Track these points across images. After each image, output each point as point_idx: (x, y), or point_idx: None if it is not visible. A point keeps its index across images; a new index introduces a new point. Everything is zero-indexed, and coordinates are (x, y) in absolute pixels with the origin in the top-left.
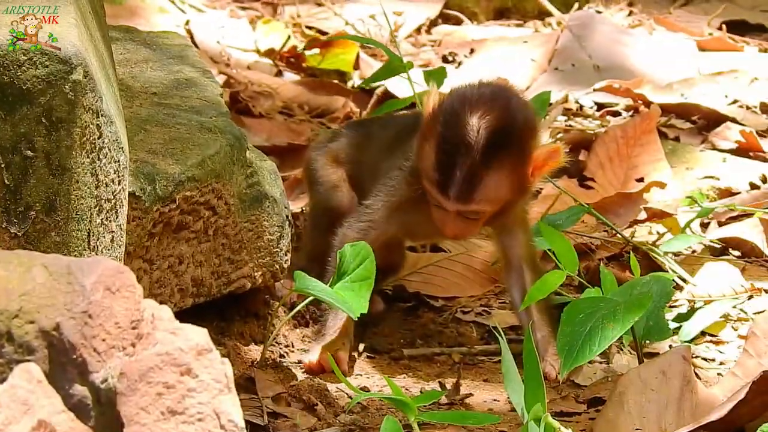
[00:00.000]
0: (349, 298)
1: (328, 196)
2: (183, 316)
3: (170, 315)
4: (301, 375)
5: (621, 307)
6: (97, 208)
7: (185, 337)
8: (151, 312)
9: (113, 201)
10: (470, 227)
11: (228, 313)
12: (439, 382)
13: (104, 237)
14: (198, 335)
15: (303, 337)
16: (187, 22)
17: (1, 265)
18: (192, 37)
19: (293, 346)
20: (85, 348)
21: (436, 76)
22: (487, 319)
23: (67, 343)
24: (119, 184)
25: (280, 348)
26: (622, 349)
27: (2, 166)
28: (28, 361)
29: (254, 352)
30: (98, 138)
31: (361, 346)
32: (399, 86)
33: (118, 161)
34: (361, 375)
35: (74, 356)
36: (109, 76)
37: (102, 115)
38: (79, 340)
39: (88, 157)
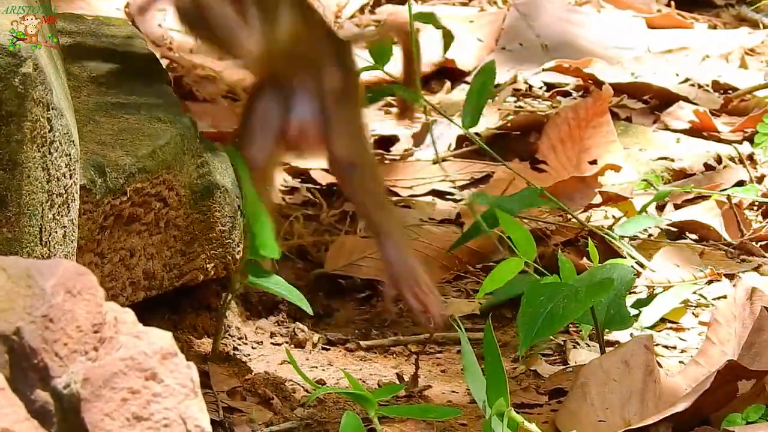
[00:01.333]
0: None
1: None
2: (134, 310)
3: (133, 318)
4: (255, 368)
5: (582, 291)
6: (48, 203)
7: (149, 340)
8: (114, 315)
9: (65, 195)
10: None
11: (180, 305)
12: (397, 374)
13: (56, 232)
14: (162, 339)
15: (256, 329)
16: (128, 5)
17: None
18: (133, 21)
19: (246, 339)
20: (47, 353)
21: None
22: (442, 309)
23: (28, 348)
24: (71, 177)
25: (234, 340)
26: (578, 344)
27: None
28: None
29: (207, 345)
30: (49, 131)
31: (316, 338)
32: None
33: (69, 155)
34: (316, 367)
35: (35, 361)
36: (57, 66)
37: (52, 108)
38: (40, 344)
39: (39, 152)
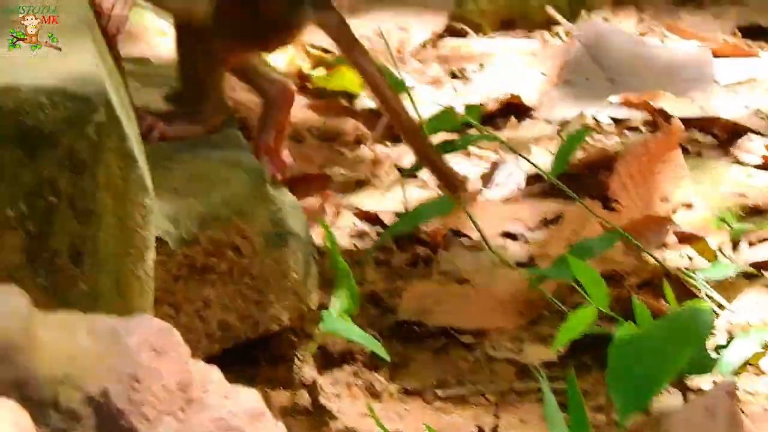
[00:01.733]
0: None
1: None
2: (209, 363)
3: (220, 376)
4: (334, 422)
5: (667, 345)
6: (124, 254)
7: (237, 400)
8: (200, 373)
9: (140, 245)
10: None
11: (254, 357)
12: (477, 426)
13: (133, 284)
14: (250, 398)
15: (333, 380)
16: None
17: (45, 328)
18: None
19: (323, 390)
20: (134, 414)
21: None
22: (520, 356)
23: (115, 410)
24: (145, 227)
25: (311, 393)
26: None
27: (26, 213)
28: (75, 430)
29: (284, 397)
30: (123, 180)
31: (392, 387)
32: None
33: (144, 204)
34: (394, 419)
35: (122, 423)
36: (128, 112)
37: (126, 156)
38: (126, 405)
39: (113, 201)
